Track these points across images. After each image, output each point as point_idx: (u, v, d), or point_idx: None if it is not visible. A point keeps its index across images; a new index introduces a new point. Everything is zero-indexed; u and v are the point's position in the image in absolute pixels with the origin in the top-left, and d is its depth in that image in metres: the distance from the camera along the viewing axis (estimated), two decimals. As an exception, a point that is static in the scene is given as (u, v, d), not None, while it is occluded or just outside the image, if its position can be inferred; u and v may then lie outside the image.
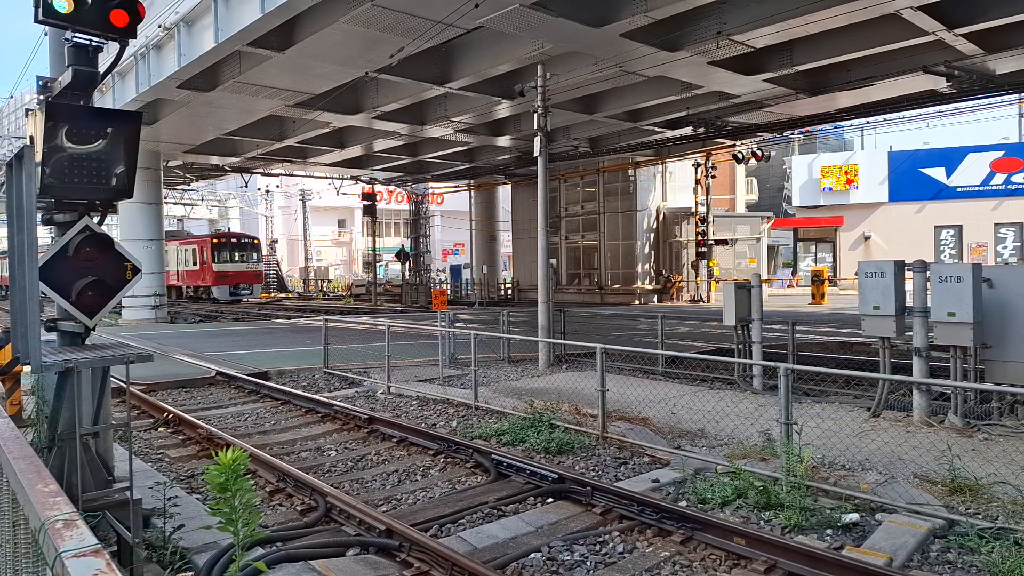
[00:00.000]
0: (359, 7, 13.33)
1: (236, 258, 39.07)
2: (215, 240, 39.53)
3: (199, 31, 16.77)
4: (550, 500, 6.31)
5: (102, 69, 4.84)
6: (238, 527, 3.18)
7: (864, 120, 24.16)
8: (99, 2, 4.57)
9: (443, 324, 13.62)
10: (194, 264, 39.80)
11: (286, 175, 40.58)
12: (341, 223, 68.15)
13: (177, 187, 45.33)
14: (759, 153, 28.16)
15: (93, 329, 4.82)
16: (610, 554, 5.21)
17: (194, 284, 40.55)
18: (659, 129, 25.34)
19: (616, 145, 28.10)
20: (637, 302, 32.97)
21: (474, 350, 10.69)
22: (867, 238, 39.57)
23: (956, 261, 35.47)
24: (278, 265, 54.91)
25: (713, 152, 30.94)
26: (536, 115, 13.94)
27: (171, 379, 12.64)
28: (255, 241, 41.59)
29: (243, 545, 3.27)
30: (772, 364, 7.39)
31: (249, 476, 6.94)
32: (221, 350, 16.46)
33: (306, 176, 41.29)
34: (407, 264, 40.58)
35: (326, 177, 40.15)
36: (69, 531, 1.81)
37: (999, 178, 36.67)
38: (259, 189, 57.49)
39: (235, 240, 40.19)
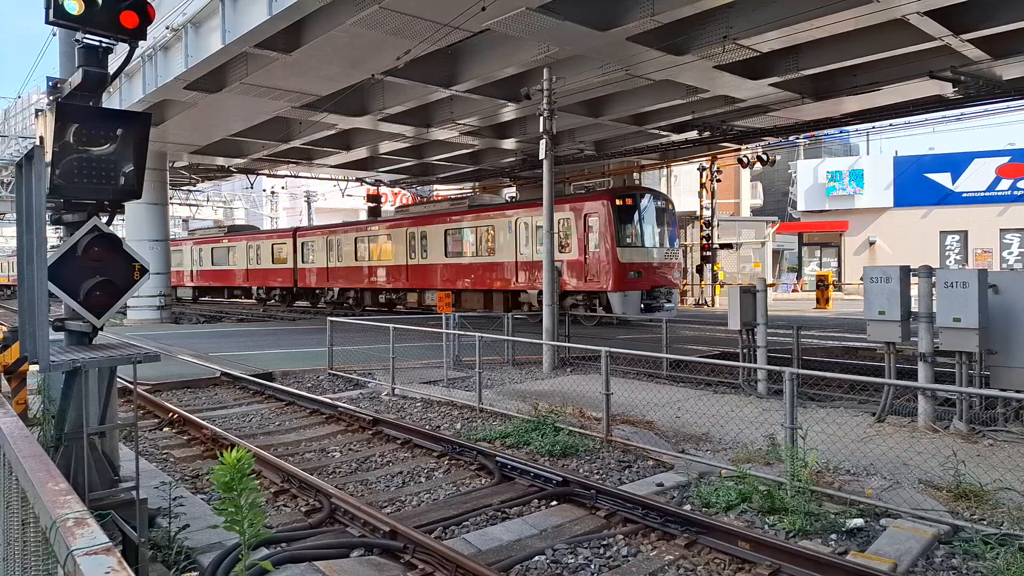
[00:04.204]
0: (366, 9, 13.37)
1: (649, 240, 21.95)
2: (619, 202, 21.28)
3: (206, 33, 16.83)
4: (554, 503, 6.32)
5: (111, 70, 4.87)
6: (244, 527, 3.20)
7: (870, 125, 24.15)
8: (110, 3, 4.60)
9: (447, 326, 13.64)
10: (564, 248, 21.54)
11: (292, 176, 40.27)
12: (346, 225, 68.19)
13: (183, 188, 45.28)
14: (764, 157, 28.15)
15: (101, 329, 4.85)
16: (614, 557, 5.21)
17: (572, 287, 21.72)
18: (664, 133, 25.33)
19: (622, 148, 28.09)
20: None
21: (478, 352, 10.71)
22: (872, 243, 39.49)
23: (961, 267, 35.37)
24: None
25: (718, 156, 30.92)
26: (542, 118, 13.96)
27: (176, 379, 12.67)
28: (670, 206, 23.34)
29: (249, 545, 3.28)
30: (777, 368, 7.38)
31: (254, 476, 6.98)
32: (225, 351, 16.49)
33: (311, 178, 41.17)
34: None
35: (331, 179, 40.08)
36: (80, 529, 1.82)
37: (1005, 184, 36.57)
38: (264, 190, 57.59)
39: (645, 205, 22.20)
